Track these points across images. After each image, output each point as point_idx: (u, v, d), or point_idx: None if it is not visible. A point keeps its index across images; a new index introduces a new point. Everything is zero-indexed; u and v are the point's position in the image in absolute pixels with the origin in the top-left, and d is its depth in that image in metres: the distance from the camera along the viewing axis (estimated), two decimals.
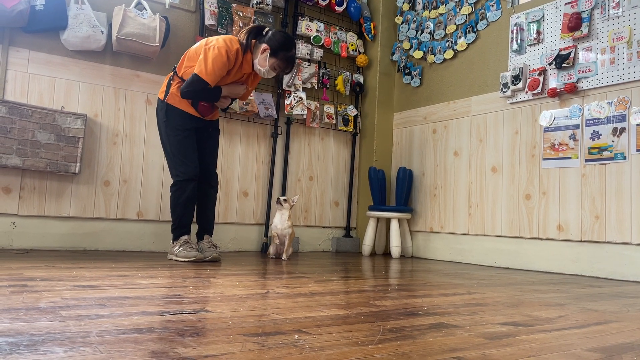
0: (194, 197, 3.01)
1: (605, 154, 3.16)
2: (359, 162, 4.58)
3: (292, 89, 4.08)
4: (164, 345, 1.09)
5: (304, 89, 4.14)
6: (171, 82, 2.99)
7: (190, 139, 2.99)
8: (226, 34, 3.80)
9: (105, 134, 3.44)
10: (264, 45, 2.88)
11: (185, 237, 2.97)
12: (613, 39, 3.16)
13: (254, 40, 2.93)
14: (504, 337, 1.34)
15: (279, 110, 4.04)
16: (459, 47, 4.12)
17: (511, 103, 3.70)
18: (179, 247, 2.95)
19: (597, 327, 1.54)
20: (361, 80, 4.52)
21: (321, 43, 4.26)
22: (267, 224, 3.99)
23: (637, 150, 3.01)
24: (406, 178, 4.25)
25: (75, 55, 3.36)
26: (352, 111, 4.45)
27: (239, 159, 3.91)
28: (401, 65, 4.60)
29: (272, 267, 2.92)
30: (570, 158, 3.33)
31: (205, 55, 2.82)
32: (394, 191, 4.42)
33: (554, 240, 3.38)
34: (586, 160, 3.25)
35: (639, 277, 2.94)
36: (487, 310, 1.76)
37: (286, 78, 4.05)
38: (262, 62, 2.90)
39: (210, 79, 2.82)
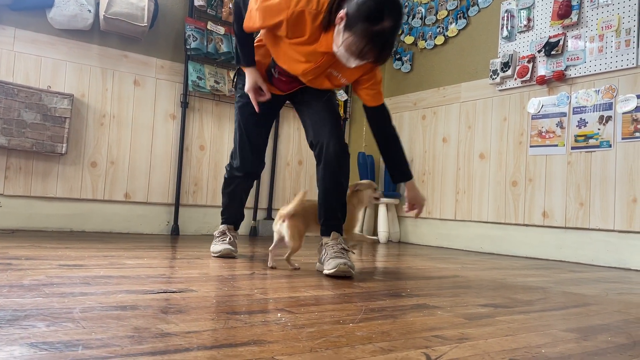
0: (241, 193, 2.45)
1: (591, 141, 3.19)
2: (349, 148, 4.57)
3: None
4: (146, 322, 1.10)
5: None
6: None
7: (259, 126, 2.28)
8: (215, 16, 3.77)
9: (92, 114, 3.41)
10: (341, 12, 1.75)
11: (223, 227, 2.48)
12: (602, 27, 3.18)
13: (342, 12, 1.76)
14: (484, 318, 1.37)
15: None
16: (449, 33, 4.11)
17: (500, 90, 3.72)
18: (215, 238, 2.50)
19: (575, 309, 1.57)
20: None
21: None
22: (255, 207, 3.99)
23: (623, 139, 3.05)
24: None
25: (62, 34, 3.31)
26: (342, 96, 4.44)
27: (228, 142, 3.90)
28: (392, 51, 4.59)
29: (259, 249, 2.93)
30: (556, 145, 3.36)
31: None
32: (383, 177, 4.43)
33: (539, 227, 3.42)
34: (572, 148, 3.28)
35: (621, 264, 2.99)
36: (469, 292, 1.78)
37: None
38: (336, 38, 1.77)
39: (247, 23, 1.99)
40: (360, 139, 4.55)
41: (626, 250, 2.98)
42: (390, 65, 4.62)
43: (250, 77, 2.11)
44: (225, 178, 2.44)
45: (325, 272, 1.97)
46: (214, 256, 2.39)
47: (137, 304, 1.28)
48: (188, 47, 3.59)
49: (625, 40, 3.07)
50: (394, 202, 4.25)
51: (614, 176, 3.07)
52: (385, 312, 1.37)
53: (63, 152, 3.21)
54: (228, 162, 2.41)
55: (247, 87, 2.11)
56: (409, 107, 4.42)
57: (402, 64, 4.49)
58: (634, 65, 3.02)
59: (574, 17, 3.30)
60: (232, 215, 2.48)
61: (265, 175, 4.09)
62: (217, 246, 2.41)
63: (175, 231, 3.59)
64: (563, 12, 3.31)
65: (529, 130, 3.53)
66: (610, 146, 3.10)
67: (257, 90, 2.12)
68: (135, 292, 1.42)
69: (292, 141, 4.24)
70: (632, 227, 2.96)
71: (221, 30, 3.72)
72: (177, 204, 3.62)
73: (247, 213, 3.99)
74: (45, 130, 3.15)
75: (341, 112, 4.45)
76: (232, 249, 2.38)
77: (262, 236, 3.94)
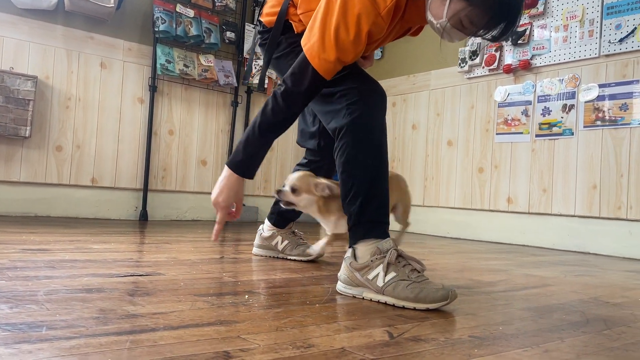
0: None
1: (555, 129, 3.28)
2: None
3: (253, 57, 4.02)
4: (112, 304, 1.10)
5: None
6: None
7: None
8: None
9: (57, 97, 3.33)
10: None
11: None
12: (567, 17, 3.25)
13: None
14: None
15: (239, 78, 3.99)
16: None
17: (468, 78, 3.77)
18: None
19: (534, 290, 1.63)
20: None
21: None
22: (145, 189, 3.80)
23: (584, 127, 3.14)
24: None
25: (24, 14, 3.21)
26: None
27: (197, 127, 3.86)
28: None
29: (229, 234, 2.93)
30: (522, 133, 3.44)
31: (329, 6, 1.35)
32: None
33: (504, 212, 3.51)
34: (536, 136, 3.37)
35: (581, 248, 3.10)
36: (434, 275, 1.83)
37: (246, 46, 3.99)
38: (438, 9, 1.37)
39: (331, 66, 1.38)
40: None
41: (586, 235, 3.09)
42: None
43: (232, 185, 1.47)
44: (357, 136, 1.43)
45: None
46: (431, 308, 1.25)
47: (103, 286, 1.27)
48: (156, 29, 3.52)
49: (589, 31, 3.15)
50: None
51: (576, 163, 3.17)
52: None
53: (27, 135, 3.12)
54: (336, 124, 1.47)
55: (221, 197, 1.46)
56: None
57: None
58: (597, 55, 3.10)
59: (540, 6, 3.37)
60: (386, 202, 1.45)
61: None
62: (424, 288, 1.25)
63: (143, 216, 3.55)
64: (530, 2, 3.37)
65: (496, 118, 3.60)
66: (572, 134, 3.19)
67: (230, 207, 1.49)
68: (102, 276, 1.41)
69: None
70: (592, 212, 3.07)
71: (190, 12, 3.66)
72: (145, 189, 3.58)
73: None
74: (8, 112, 3.06)
75: None
76: (453, 288, 1.29)
77: (232, 222, 3.93)
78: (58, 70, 3.33)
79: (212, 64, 3.79)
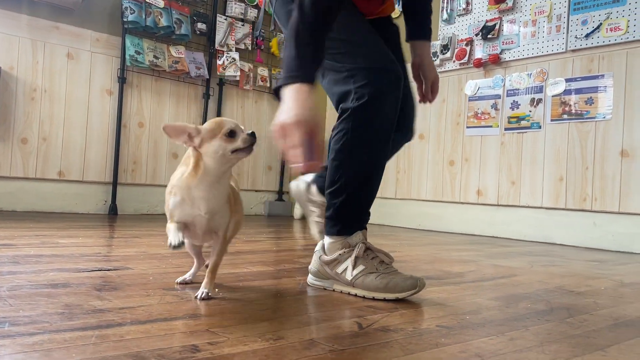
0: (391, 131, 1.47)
1: (523, 123, 3.34)
2: None
3: (224, 48, 3.98)
4: (78, 299, 1.08)
5: (237, 50, 4.06)
6: None
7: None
8: None
9: (22, 88, 3.23)
10: None
11: (359, 237, 1.34)
12: (535, 12, 3.31)
13: None
14: None
15: (210, 70, 3.94)
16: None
17: (440, 72, 3.80)
18: (357, 262, 1.32)
19: (502, 280, 1.67)
20: None
21: (255, 3, 4.16)
22: (115, 182, 3.72)
23: (552, 120, 3.21)
24: None
25: None
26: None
27: (168, 120, 3.80)
28: None
29: None
30: (491, 127, 3.50)
31: None
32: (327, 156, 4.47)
33: (474, 204, 3.57)
34: (505, 129, 3.43)
35: (547, 239, 3.17)
36: (405, 266, 1.85)
37: (218, 37, 3.94)
38: None
39: None
40: None
41: (552, 226, 3.16)
42: None
43: (305, 100, 1.08)
44: (352, 125, 1.32)
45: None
46: (400, 297, 1.24)
47: (69, 282, 1.25)
48: (125, 19, 3.45)
49: (556, 26, 3.21)
50: None
51: (543, 156, 3.24)
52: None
53: None
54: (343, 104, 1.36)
55: (294, 112, 1.05)
56: None
57: None
58: (564, 50, 3.17)
59: (509, 1, 3.42)
60: (368, 200, 1.37)
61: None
62: (392, 279, 1.25)
63: (113, 210, 3.49)
64: None
65: (466, 111, 3.65)
66: (540, 127, 3.26)
67: (312, 135, 1.05)
68: (68, 271, 1.39)
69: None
70: (558, 204, 3.15)
71: (160, 3, 3.60)
72: (114, 183, 3.51)
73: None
74: None
75: None
76: (422, 278, 1.27)
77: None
78: (23, 61, 3.23)
79: (183, 56, 3.73)
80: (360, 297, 1.27)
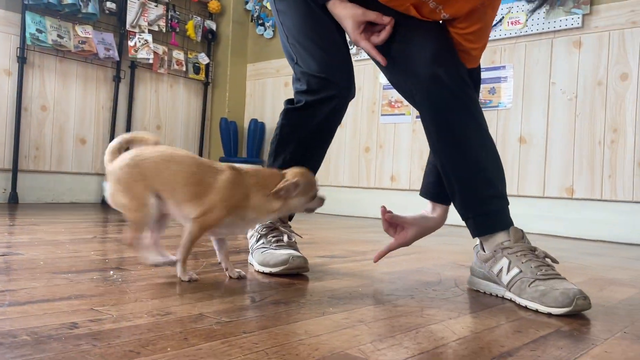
0: (321, 136, 1.55)
1: None
2: (211, 113, 4.50)
3: (136, 30, 3.83)
4: None
5: (150, 31, 3.91)
6: None
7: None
8: None
9: None
10: None
11: None
12: None
13: None
14: (318, 266, 1.46)
15: (121, 52, 3.78)
16: None
17: (356, 60, 3.88)
18: (257, 241, 1.39)
19: (402, 257, 1.74)
20: (214, 27, 4.39)
21: None
22: (15, 169, 3.58)
23: None
24: (258, 130, 4.29)
25: None
26: (203, 59, 4.33)
27: (75, 103, 3.61)
28: (255, 15, 4.55)
29: (111, 215, 2.79)
30: (404, 114, 3.62)
31: None
32: (246, 143, 4.43)
33: (388, 190, 3.69)
34: (417, 117, 3.56)
35: (454, 221, 3.33)
36: (312, 247, 1.88)
37: (129, 18, 3.78)
38: None
39: None
40: (222, 104, 4.49)
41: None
42: (254, 30, 4.59)
43: (346, 10, 1.22)
44: (282, 122, 1.43)
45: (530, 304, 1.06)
46: (273, 272, 1.28)
47: None
48: None
49: None
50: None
51: None
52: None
53: None
54: (288, 100, 1.44)
55: (351, 28, 1.21)
56: (272, 74, 4.45)
57: (265, 30, 4.48)
58: None
59: None
60: None
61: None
62: (272, 254, 1.30)
63: (13, 199, 3.27)
64: None
65: (380, 99, 3.75)
66: None
67: (368, 27, 1.22)
68: None
69: (149, 104, 4.05)
70: None
71: None
72: (14, 170, 3.29)
73: (98, 180, 3.74)
74: None
75: (203, 75, 4.34)
76: (300, 255, 1.31)
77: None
78: None
79: (90, 36, 3.55)
80: (255, 278, 1.28)
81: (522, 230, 1.16)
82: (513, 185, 3.11)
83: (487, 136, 1.21)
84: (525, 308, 1.04)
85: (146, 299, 0.99)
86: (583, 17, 2.91)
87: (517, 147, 3.12)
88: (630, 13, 2.79)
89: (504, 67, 3.20)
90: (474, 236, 1.24)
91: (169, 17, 4.06)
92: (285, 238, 1.33)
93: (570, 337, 0.87)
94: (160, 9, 3.99)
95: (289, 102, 1.42)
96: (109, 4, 3.68)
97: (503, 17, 3.19)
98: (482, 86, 3.26)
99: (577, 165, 2.92)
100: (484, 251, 1.20)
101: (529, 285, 1.05)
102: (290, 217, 1.48)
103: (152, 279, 1.18)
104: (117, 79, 3.79)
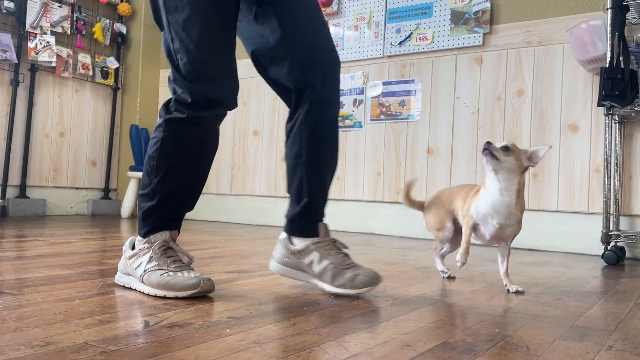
0: (204, 154, 1.42)
1: (347, 122, 3.55)
2: (121, 120, 4.31)
3: (37, 31, 3.59)
4: None
5: (53, 33, 3.69)
6: None
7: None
8: None
9: None
10: None
11: (163, 237, 1.29)
12: (357, 18, 3.54)
13: None
14: (224, 283, 1.43)
15: (20, 54, 3.53)
16: None
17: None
18: (151, 262, 1.26)
19: None
20: (124, 30, 4.22)
21: None
22: (5, 183, 3.49)
23: (371, 120, 3.46)
24: None
25: None
26: (112, 63, 4.14)
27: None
28: None
29: (8, 230, 2.59)
30: None
31: None
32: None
33: None
34: None
35: (368, 229, 3.42)
36: (220, 261, 1.85)
37: (29, 18, 3.54)
38: None
39: None
40: (133, 110, 4.31)
41: (372, 218, 3.42)
42: None
43: None
44: (163, 135, 1.31)
45: (341, 291, 1.30)
46: (180, 297, 1.20)
47: None
48: None
49: (375, 32, 3.47)
50: None
51: (364, 153, 3.49)
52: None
53: None
54: (166, 101, 1.37)
55: None
56: None
57: None
58: (381, 55, 3.44)
59: (335, 6, 3.60)
60: (181, 205, 1.36)
61: (16, 147, 3.60)
62: (176, 277, 1.21)
63: None
64: (325, 1, 3.59)
65: None
66: (361, 126, 3.50)
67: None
68: None
69: (52, 110, 3.81)
70: (376, 197, 3.41)
71: None
72: None
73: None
74: None
75: (112, 80, 4.15)
76: (209, 279, 1.23)
77: (13, 216, 3.48)
78: None
79: None
80: (146, 294, 1.23)
81: (327, 225, 1.51)
82: (422, 194, 3.23)
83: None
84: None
85: (28, 327, 0.92)
86: (484, 35, 3.10)
87: (425, 158, 3.25)
88: (526, 33, 3.00)
89: (412, 81, 3.33)
90: (298, 236, 1.46)
91: (75, 19, 3.86)
92: (185, 259, 1.29)
93: (454, 348, 0.91)
94: (65, 10, 3.77)
95: (163, 113, 1.35)
96: (6, 3, 3.43)
97: (412, 33, 3.32)
98: (393, 99, 3.38)
99: (480, 175, 3.09)
100: (293, 244, 1.44)
101: (339, 275, 1.31)
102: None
103: (39, 304, 1.10)
104: (15, 83, 3.53)
